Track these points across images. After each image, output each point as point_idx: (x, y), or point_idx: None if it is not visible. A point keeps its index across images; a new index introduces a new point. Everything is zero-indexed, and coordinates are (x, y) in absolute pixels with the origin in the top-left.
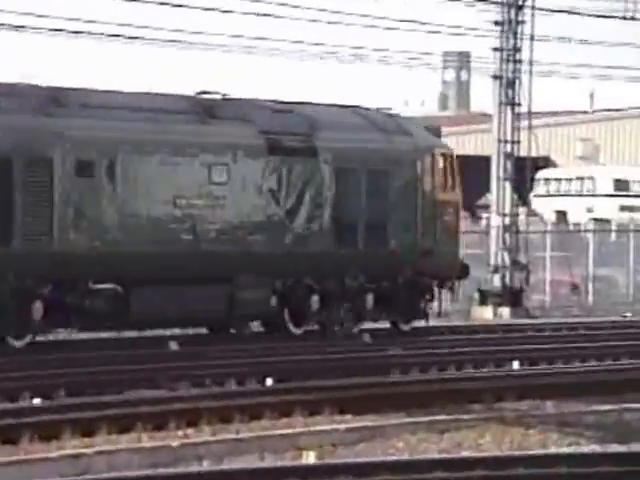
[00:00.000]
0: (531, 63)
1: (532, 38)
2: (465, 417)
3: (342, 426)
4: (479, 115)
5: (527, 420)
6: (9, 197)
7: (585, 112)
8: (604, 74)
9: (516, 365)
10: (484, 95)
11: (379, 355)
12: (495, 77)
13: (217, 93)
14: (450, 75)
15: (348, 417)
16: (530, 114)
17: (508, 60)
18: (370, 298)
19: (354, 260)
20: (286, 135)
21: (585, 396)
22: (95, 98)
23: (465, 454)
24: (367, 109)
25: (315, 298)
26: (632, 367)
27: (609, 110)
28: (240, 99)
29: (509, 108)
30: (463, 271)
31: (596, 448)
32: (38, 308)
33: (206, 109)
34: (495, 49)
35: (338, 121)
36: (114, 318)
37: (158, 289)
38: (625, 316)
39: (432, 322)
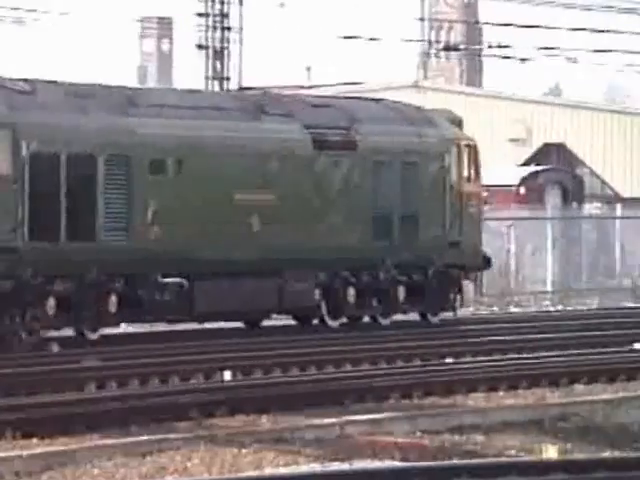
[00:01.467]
0: (241, 30)
1: (241, 2)
2: (170, 437)
3: (25, 452)
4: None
5: (240, 438)
6: (94, 193)
7: (301, 87)
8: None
9: (228, 376)
10: (190, 68)
11: (71, 368)
12: (200, 47)
13: (259, 89)
14: (150, 45)
15: (34, 441)
16: (241, 90)
17: (215, 27)
18: (402, 290)
19: (389, 253)
20: (328, 129)
21: (304, 409)
22: (164, 98)
23: None
24: (396, 102)
25: (352, 291)
26: (354, 375)
27: (329, 85)
28: (280, 94)
29: (217, 83)
30: (485, 262)
31: (316, 467)
32: (113, 301)
33: (257, 106)
34: (200, 14)
35: (374, 114)
36: (180, 311)
37: (218, 283)
38: None
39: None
